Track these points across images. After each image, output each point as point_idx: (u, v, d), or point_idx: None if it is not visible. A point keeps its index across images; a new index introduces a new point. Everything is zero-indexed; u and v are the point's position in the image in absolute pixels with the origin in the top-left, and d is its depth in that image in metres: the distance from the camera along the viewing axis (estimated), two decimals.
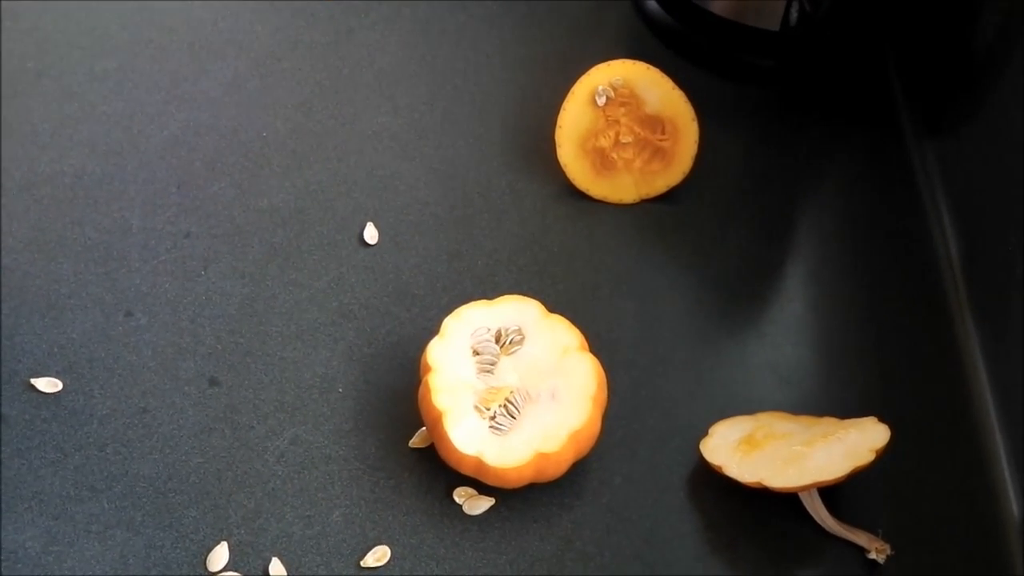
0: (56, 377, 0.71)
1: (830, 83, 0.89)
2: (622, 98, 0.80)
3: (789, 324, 0.77)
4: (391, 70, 0.90)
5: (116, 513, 0.66)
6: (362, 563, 0.65)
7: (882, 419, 0.67)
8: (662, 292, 0.78)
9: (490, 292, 0.74)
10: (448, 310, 0.70)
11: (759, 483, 0.65)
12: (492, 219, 0.81)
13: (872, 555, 0.65)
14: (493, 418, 0.66)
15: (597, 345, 0.70)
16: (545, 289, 0.77)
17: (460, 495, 0.68)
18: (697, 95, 0.81)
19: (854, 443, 0.65)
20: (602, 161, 0.81)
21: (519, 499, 0.68)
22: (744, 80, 0.90)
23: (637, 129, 0.81)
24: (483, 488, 0.67)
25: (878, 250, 0.80)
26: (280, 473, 0.68)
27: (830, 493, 0.66)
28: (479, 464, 0.65)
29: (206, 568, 0.64)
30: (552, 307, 0.70)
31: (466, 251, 0.79)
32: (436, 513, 0.67)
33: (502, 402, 0.67)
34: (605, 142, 0.81)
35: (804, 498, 0.66)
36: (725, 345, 0.75)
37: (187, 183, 0.81)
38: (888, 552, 0.65)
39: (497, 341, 0.69)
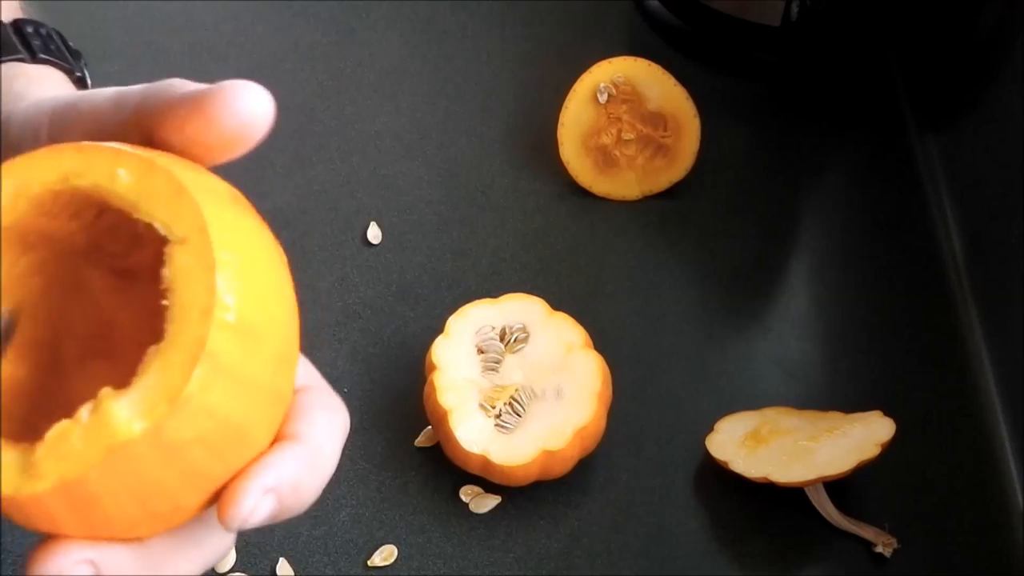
0: None
1: (832, 78, 0.89)
2: (624, 95, 0.80)
3: (793, 319, 0.77)
4: (393, 70, 0.90)
5: None
6: (369, 562, 0.65)
7: (887, 413, 0.67)
8: (666, 288, 0.78)
9: (494, 290, 0.74)
10: (452, 309, 0.70)
11: (765, 478, 0.65)
12: (495, 217, 0.81)
13: (879, 549, 0.65)
14: (498, 416, 0.66)
15: (601, 342, 0.70)
16: (549, 287, 0.77)
17: (466, 493, 0.68)
18: (699, 91, 0.81)
19: (859, 437, 0.65)
20: (605, 158, 0.81)
21: (525, 497, 0.68)
22: (746, 76, 0.90)
23: (639, 126, 0.81)
24: (489, 486, 0.68)
25: (882, 244, 0.80)
26: None
27: (836, 487, 0.66)
28: (485, 462, 0.65)
29: (213, 569, 0.64)
30: (556, 305, 0.70)
31: (470, 250, 0.79)
32: (443, 512, 0.67)
33: (507, 400, 0.67)
34: (607, 139, 0.81)
35: (810, 493, 0.66)
36: (730, 341, 0.75)
37: None
38: (894, 545, 0.65)
39: (502, 339, 0.69)
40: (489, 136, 0.86)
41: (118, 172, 0.32)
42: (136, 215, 0.32)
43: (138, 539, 0.34)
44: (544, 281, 0.78)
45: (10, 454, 0.31)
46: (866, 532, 0.66)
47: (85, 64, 0.54)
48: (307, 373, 0.39)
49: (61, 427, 0.30)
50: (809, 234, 0.82)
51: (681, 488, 0.69)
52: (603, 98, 0.80)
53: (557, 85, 0.82)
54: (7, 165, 0.33)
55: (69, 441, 0.30)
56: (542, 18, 0.94)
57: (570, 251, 0.79)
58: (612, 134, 0.81)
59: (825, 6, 0.84)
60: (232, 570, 0.64)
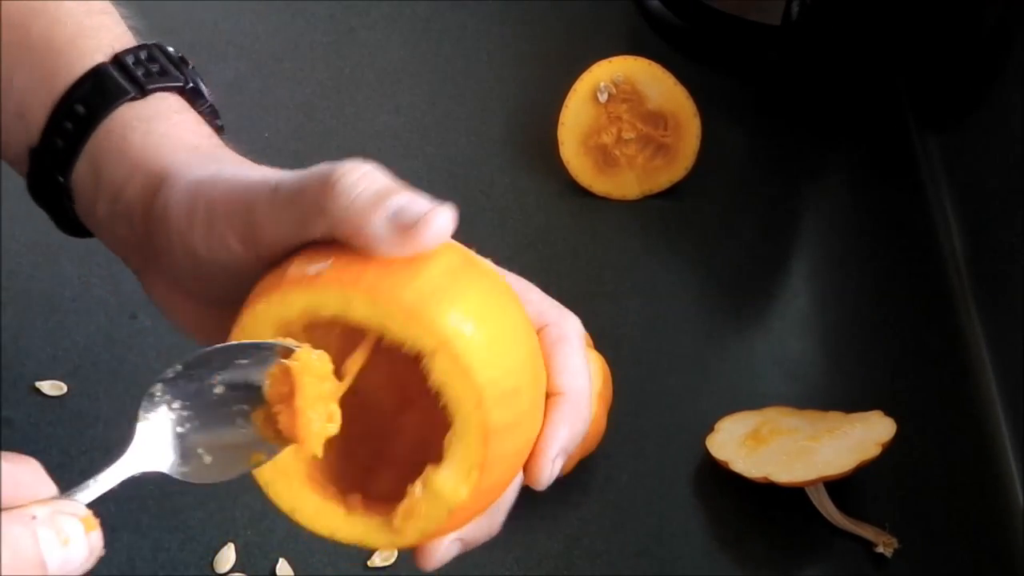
0: (61, 380, 0.71)
1: (832, 77, 0.89)
2: (624, 94, 0.80)
3: (794, 319, 0.77)
4: (393, 69, 0.90)
5: (122, 516, 0.66)
6: (369, 563, 0.65)
7: (888, 413, 0.67)
8: (666, 288, 0.78)
9: None
10: None
11: (766, 478, 0.65)
12: (495, 217, 0.81)
13: (879, 548, 0.65)
14: None
15: (602, 342, 0.70)
16: (549, 287, 0.76)
17: None
18: (699, 90, 0.81)
19: (860, 437, 0.65)
20: (604, 158, 0.81)
21: (526, 497, 0.67)
22: (746, 75, 0.89)
23: (639, 125, 0.81)
24: None
25: (882, 244, 0.80)
26: None
27: (837, 487, 0.66)
28: None
29: (213, 569, 0.64)
30: None
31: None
32: None
33: None
34: (607, 139, 0.81)
35: (811, 492, 0.66)
36: (730, 340, 0.75)
37: None
38: (895, 545, 0.65)
39: None
40: (489, 136, 0.86)
41: (353, 303, 0.39)
42: (387, 339, 0.40)
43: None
44: (544, 281, 0.77)
45: (374, 521, 0.42)
46: (866, 532, 0.66)
47: (194, 69, 0.53)
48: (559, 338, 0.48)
49: (408, 501, 0.41)
50: (809, 234, 0.82)
51: (681, 488, 0.68)
52: (603, 97, 0.80)
53: (557, 85, 0.82)
54: (261, 298, 0.42)
55: (419, 509, 0.41)
56: (542, 18, 0.94)
57: (570, 251, 0.79)
58: (612, 133, 0.81)
59: (826, 5, 0.84)
60: (232, 570, 0.64)
